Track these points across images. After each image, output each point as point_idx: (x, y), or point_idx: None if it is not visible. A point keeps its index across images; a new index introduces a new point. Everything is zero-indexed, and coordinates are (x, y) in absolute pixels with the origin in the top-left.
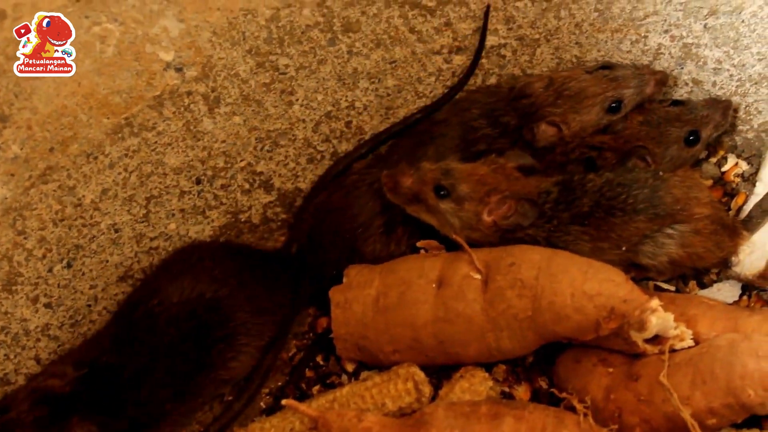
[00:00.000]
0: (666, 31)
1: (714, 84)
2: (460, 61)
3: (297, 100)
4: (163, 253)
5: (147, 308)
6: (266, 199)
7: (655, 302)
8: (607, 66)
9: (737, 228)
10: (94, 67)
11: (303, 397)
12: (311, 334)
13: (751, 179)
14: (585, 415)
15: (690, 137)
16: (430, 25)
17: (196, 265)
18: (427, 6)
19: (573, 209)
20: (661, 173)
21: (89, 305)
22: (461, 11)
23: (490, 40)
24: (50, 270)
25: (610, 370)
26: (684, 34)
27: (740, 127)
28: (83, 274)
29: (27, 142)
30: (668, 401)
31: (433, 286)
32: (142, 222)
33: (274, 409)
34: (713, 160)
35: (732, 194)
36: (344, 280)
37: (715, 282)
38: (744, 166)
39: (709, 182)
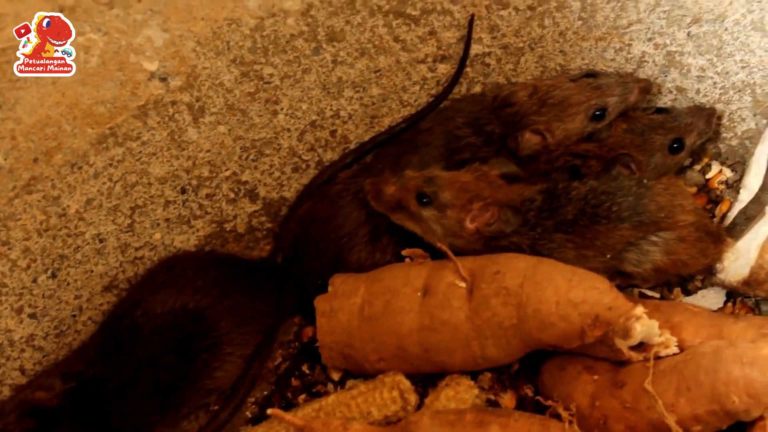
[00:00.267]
0: (650, 39)
1: (698, 92)
2: (444, 69)
3: (282, 109)
4: (148, 262)
5: (131, 319)
6: (251, 209)
7: (639, 309)
8: (591, 74)
9: (721, 235)
10: (78, 77)
11: (289, 406)
12: (297, 343)
13: (735, 186)
14: (570, 422)
15: (674, 145)
16: (415, 34)
17: (179, 275)
18: (411, 15)
19: (557, 217)
20: (645, 181)
21: (74, 315)
22: (445, 20)
23: (475, 49)
24: (35, 280)
25: (595, 377)
26: (668, 42)
27: (724, 135)
28: (68, 284)
29: (11, 152)
30: (653, 408)
31: (418, 294)
32: (127, 232)
33: (259, 418)
34: (697, 167)
35: (716, 201)
36: (329, 289)
37: (700, 289)
38: (728, 173)
39: (694, 189)
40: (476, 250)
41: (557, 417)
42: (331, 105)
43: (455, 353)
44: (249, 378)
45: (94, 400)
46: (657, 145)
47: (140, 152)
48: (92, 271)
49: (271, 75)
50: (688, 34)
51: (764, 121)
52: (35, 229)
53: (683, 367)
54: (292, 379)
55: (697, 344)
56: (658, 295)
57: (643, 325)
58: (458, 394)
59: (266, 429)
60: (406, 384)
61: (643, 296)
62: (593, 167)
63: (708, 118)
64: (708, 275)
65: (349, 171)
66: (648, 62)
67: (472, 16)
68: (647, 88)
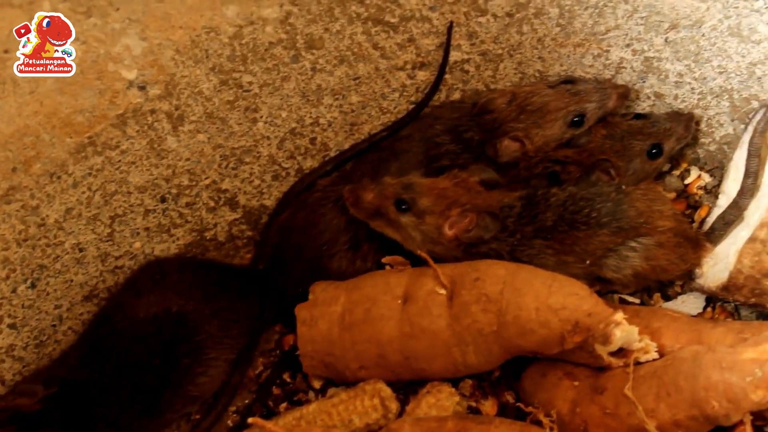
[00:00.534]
0: (628, 46)
1: (676, 97)
2: (423, 76)
3: (261, 117)
4: (128, 272)
5: (113, 324)
6: (231, 217)
7: (619, 315)
8: (570, 80)
9: (700, 240)
10: (56, 87)
11: (270, 414)
12: (278, 352)
13: (713, 191)
14: (551, 429)
15: (653, 150)
16: (394, 41)
17: (161, 280)
18: (389, 22)
19: (536, 223)
20: (624, 187)
21: (54, 325)
22: (424, 27)
23: (454, 56)
24: (14, 290)
25: (576, 383)
26: (645, 48)
27: (702, 140)
28: (48, 294)
29: None
30: (633, 414)
31: (399, 302)
32: (107, 241)
33: (240, 427)
34: (676, 172)
35: (695, 206)
36: (310, 297)
37: (680, 294)
38: (707, 178)
39: (673, 195)
40: (456, 256)
41: (538, 423)
42: (311, 112)
43: (436, 360)
44: (230, 386)
45: (77, 406)
46: (636, 150)
47: (119, 161)
48: (72, 281)
49: (250, 83)
50: (666, 40)
51: (742, 126)
52: (14, 239)
53: (663, 373)
54: (274, 387)
55: (677, 349)
56: (638, 301)
57: (623, 330)
58: (439, 402)
59: None
60: (387, 392)
61: (623, 302)
62: (572, 173)
63: (686, 123)
64: (687, 280)
65: (329, 178)
66: (626, 68)
67: (451, 23)
68: (625, 93)
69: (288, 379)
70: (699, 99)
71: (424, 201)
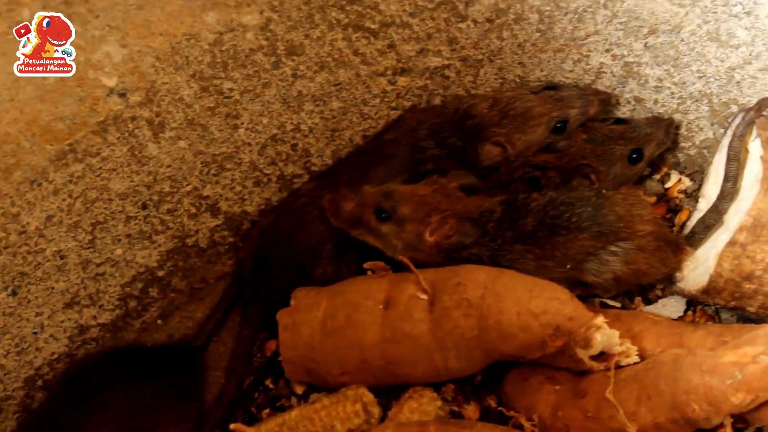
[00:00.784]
0: (607, 51)
1: (656, 102)
2: (404, 82)
3: (242, 123)
4: (110, 278)
5: None
6: (213, 223)
7: (600, 319)
8: (552, 86)
9: (681, 244)
10: (36, 94)
11: (252, 420)
12: (259, 356)
13: (694, 195)
14: None
15: (633, 155)
16: (374, 47)
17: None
18: (370, 28)
19: (517, 228)
20: (603, 191)
21: (35, 333)
22: (404, 33)
23: (434, 62)
24: None
25: (557, 387)
26: (625, 53)
27: (683, 144)
28: (29, 301)
29: None
30: (615, 417)
31: (380, 307)
32: (88, 248)
33: None
34: (657, 176)
35: (676, 210)
36: (292, 302)
37: (661, 298)
38: (687, 182)
39: (653, 199)
40: (437, 262)
41: (520, 428)
42: (292, 119)
43: (418, 365)
44: (226, 400)
45: None
46: (617, 155)
47: (100, 168)
48: (53, 288)
49: (231, 89)
50: (645, 44)
51: (722, 131)
52: None
53: (644, 376)
54: (256, 393)
55: (658, 353)
56: (619, 305)
57: (604, 334)
58: (421, 406)
59: None
60: (369, 397)
61: (604, 306)
62: (552, 178)
63: (666, 128)
64: (668, 284)
65: (313, 183)
66: (606, 73)
67: None
68: (607, 100)
69: (270, 385)
70: (679, 103)
71: (404, 209)
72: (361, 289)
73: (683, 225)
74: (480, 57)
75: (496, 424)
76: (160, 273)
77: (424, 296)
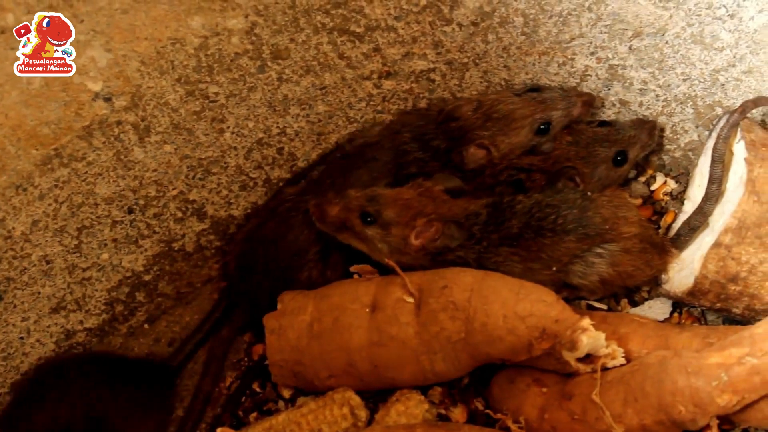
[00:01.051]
0: (592, 53)
1: (640, 104)
2: (389, 85)
3: (228, 127)
4: (96, 283)
5: None
6: (199, 227)
7: (586, 321)
8: (535, 88)
9: (666, 246)
10: (21, 99)
11: (240, 424)
12: (246, 360)
13: (679, 197)
14: None
15: (618, 157)
16: (359, 50)
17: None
18: (355, 32)
19: (502, 231)
20: (589, 194)
21: (22, 338)
22: (390, 37)
23: (420, 65)
24: None
25: (544, 389)
26: (610, 56)
27: (667, 147)
28: (15, 306)
29: None
30: (601, 419)
31: (367, 310)
32: (74, 253)
33: None
34: (642, 179)
35: (661, 213)
36: (278, 306)
37: (647, 300)
38: (672, 184)
39: (639, 201)
40: (424, 265)
41: (507, 430)
42: (278, 123)
43: (405, 368)
44: (201, 399)
45: None
46: (601, 157)
47: (86, 173)
48: (39, 293)
49: (217, 94)
50: (630, 47)
51: (706, 133)
52: None
53: (630, 378)
54: (243, 397)
55: (644, 355)
56: (605, 307)
57: (590, 336)
58: (408, 409)
59: None
60: (356, 400)
61: (590, 308)
62: (537, 181)
63: (650, 130)
64: (654, 286)
65: (297, 187)
66: (591, 76)
67: None
68: (590, 101)
69: (257, 389)
70: (663, 106)
71: (389, 212)
72: (348, 293)
73: (669, 227)
74: (465, 60)
75: (484, 426)
76: (147, 277)
77: (411, 299)
